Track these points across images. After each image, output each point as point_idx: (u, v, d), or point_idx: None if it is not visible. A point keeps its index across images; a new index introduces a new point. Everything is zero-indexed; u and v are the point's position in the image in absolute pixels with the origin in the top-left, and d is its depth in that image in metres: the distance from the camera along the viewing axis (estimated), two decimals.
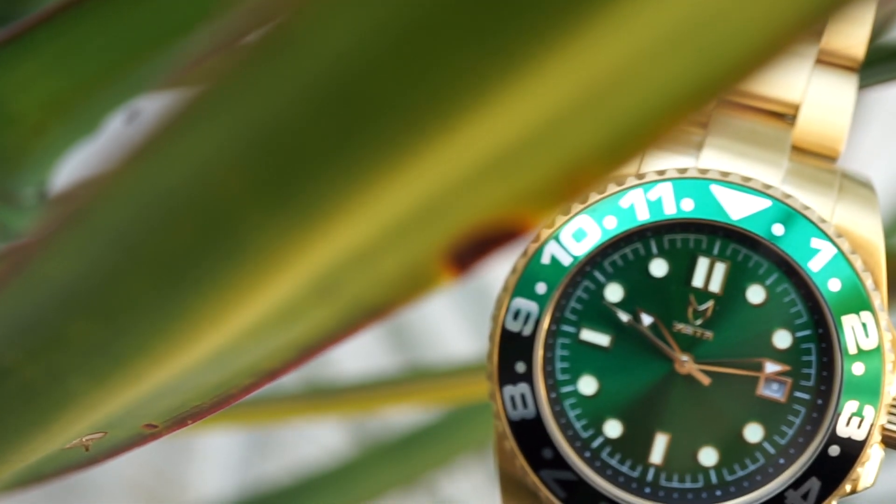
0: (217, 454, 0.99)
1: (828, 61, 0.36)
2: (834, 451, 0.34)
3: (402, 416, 0.72)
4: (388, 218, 0.20)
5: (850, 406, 0.34)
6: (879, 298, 0.34)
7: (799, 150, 0.36)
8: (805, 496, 0.34)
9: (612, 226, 0.35)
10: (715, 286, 0.35)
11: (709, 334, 0.35)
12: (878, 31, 0.38)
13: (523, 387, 0.35)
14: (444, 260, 0.21)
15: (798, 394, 0.35)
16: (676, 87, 0.17)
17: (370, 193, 0.19)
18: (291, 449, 0.95)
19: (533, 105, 0.18)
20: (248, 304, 0.22)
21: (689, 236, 0.35)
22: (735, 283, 0.35)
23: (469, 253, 0.21)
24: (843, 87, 0.36)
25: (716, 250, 0.35)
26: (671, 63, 0.17)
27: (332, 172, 0.19)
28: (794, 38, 0.17)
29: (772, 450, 0.35)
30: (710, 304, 0.35)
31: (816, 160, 0.36)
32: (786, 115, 0.36)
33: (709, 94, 0.17)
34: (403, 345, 0.85)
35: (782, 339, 0.35)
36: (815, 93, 0.36)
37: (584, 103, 0.17)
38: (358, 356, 0.78)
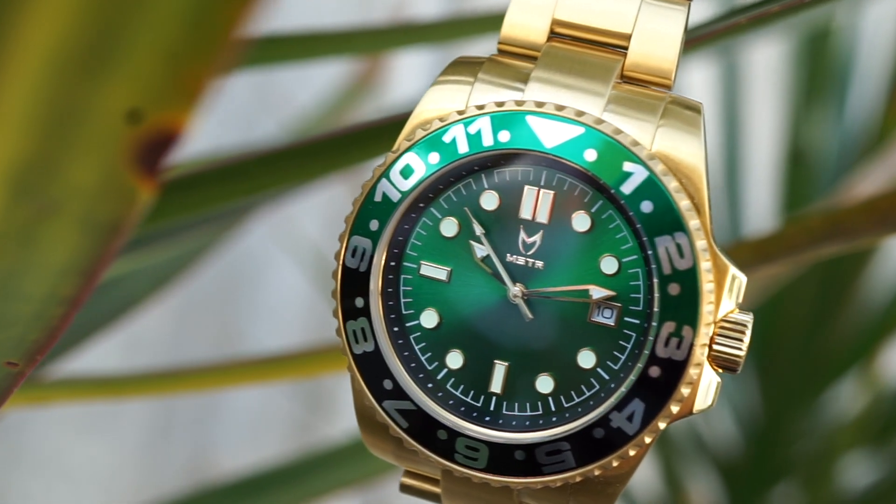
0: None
1: None
2: (654, 372, 0.34)
3: None
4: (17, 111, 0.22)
5: (667, 327, 0.34)
6: (696, 219, 0.34)
7: (633, 80, 0.36)
8: (630, 418, 0.34)
9: (436, 161, 0.35)
10: (542, 216, 0.35)
11: (539, 264, 0.35)
12: None
13: (363, 321, 0.36)
14: (131, 168, 0.23)
15: (628, 318, 0.35)
16: None
17: None
18: None
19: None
20: None
21: (516, 168, 0.36)
22: (561, 212, 0.35)
23: (147, 158, 0.23)
24: (673, 18, 0.36)
25: (542, 181, 0.35)
26: None
27: None
28: None
29: (605, 375, 0.35)
30: (539, 234, 0.35)
31: (651, 90, 0.36)
32: (618, 47, 0.36)
33: None
34: None
35: (609, 264, 0.35)
36: (644, 23, 0.36)
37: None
38: None
